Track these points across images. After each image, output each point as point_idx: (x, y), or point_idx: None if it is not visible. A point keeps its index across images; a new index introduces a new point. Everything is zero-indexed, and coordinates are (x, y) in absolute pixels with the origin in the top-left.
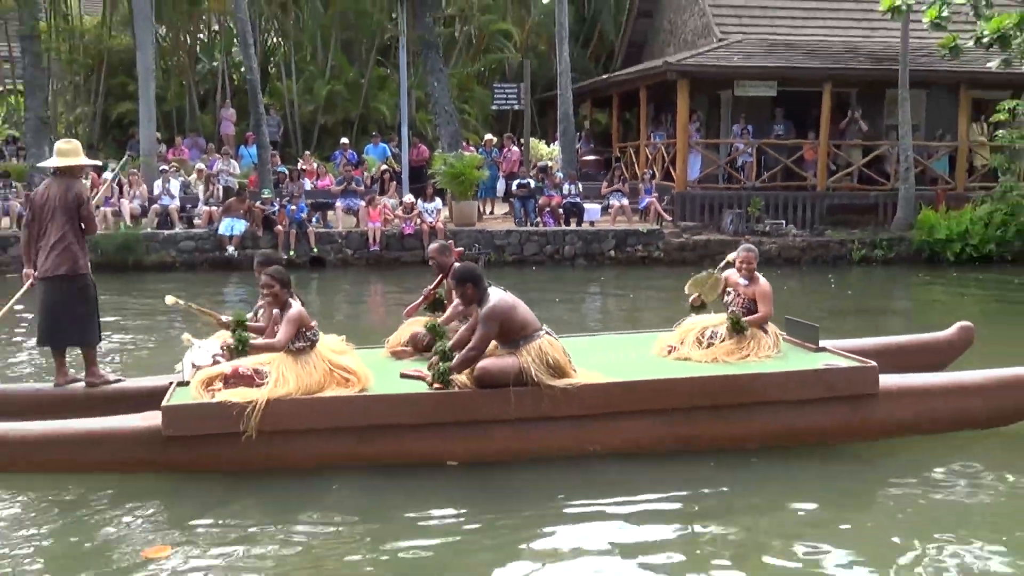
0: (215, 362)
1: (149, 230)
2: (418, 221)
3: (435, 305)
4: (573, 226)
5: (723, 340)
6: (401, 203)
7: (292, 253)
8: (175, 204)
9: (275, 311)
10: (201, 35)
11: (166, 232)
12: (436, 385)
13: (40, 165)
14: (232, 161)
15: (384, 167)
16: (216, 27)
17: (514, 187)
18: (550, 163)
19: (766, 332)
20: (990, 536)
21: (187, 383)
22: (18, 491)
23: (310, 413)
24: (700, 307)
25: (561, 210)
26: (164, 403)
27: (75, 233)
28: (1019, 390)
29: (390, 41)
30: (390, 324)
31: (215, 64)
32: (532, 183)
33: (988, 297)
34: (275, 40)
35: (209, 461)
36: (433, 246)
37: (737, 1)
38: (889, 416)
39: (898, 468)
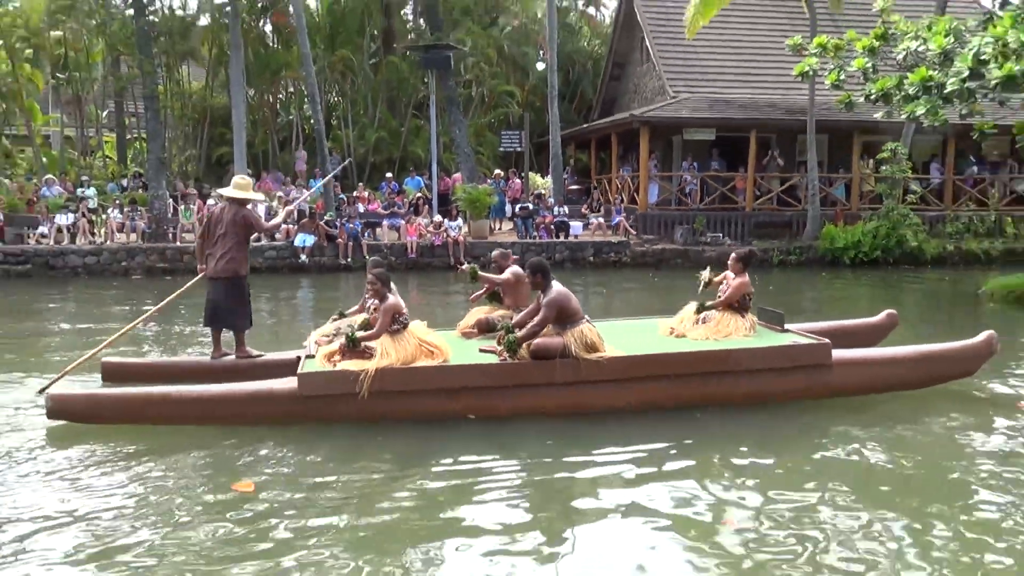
0: (328, 341)
1: None
2: (445, 235)
3: (493, 296)
4: (562, 239)
5: (706, 322)
6: (432, 222)
7: (350, 260)
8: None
9: (376, 302)
10: (280, 95)
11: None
12: (505, 355)
13: (218, 191)
14: (304, 190)
15: (419, 194)
16: (292, 89)
17: (517, 209)
18: (544, 191)
19: (743, 317)
20: (905, 470)
21: (312, 356)
22: (194, 438)
23: (407, 378)
24: (707, 284)
25: (552, 226)
26: (299, 371)
27: (238, 247)
28: (934, 362)
29: (423, 99)
30: (427, 311)
31: (291, 117)
32: (530, 206)
33: (876, 290)
34: (336, 98)
35: (332, 414)
36: (496, 252)
37: (685, 67)
38: (839, 381)
39: (844, 419)
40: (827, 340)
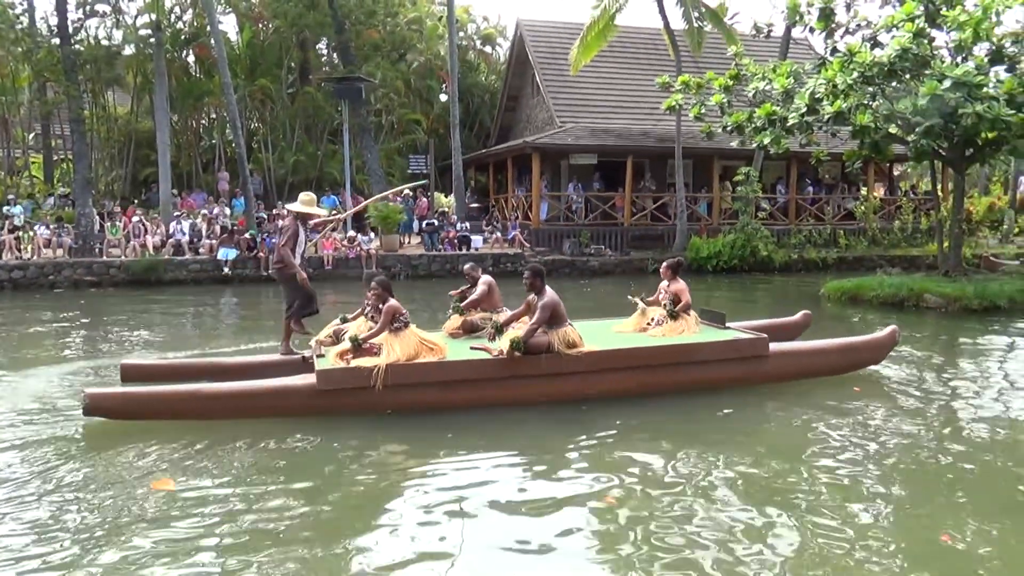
0: (331, 342)
1: (167, 257)
2: (359, 249)
3: (462, 299)
4: (464, 251)
5: (662, 323)
6: (346, 237)
7: (270, 271)
8: (185, 239)
9: (380, 306)
10: (204, 120)
11: (179, 258)
12: (505, 351)
13: (288, 207)
14: (227, 208)
15: (334, 211)
16: (214, 115)
17: (424, 225)
18: (448, 209)
19: (690, 315)
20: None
21: (323, 355)
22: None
23: (415, 372)
24: (645, 303)
25: (456, 240)
26: (317, 368)
27: (285, 249)
28: (851, 352)
29: (338, 126)
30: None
31: (213, 141)
32: (436, 223)
33: (735, 292)
34: (256, 124)
35: (347, 406)
36: (467, 266)
37: (571, 100)
38: (775, 369)
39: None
40: (765, 335)
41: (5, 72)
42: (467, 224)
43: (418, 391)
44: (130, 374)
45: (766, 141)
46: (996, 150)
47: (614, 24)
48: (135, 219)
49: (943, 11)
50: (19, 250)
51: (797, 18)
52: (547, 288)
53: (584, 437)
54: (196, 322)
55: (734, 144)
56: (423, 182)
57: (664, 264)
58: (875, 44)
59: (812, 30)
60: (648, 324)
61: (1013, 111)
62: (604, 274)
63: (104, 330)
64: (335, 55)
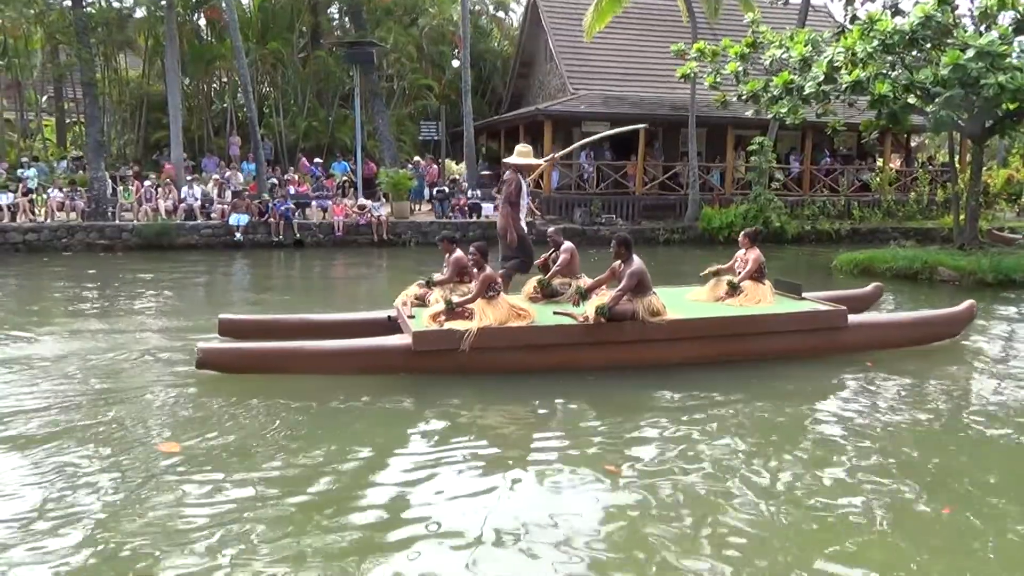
0: (419, 302)
1: (179, 222)
2: (369, 215)
3: (545, 267)
4: (475, 219)
5: (736, 293)
6: (357, 203)
7: (280, 237)
8: (198, 203)
9: (476, 270)
10: (215, 84)
11: (191, 223)
12: (591, 317)
13: (506, 161)
14: (239, 174)
15: (345, 178)
16: (225, 79)
17: (435, 192)
18: (459, 176)
19: (765, 285)
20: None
21: (412, 316)
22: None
23: (504, 336)
24: (716, 273)
25: (467, 208)
26: (413, 329)
27: (509, 208)
28: (929, 325)
29: (349, 91)
30: (352, 285)
31: (225, 105)
32: (447, 190)
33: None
34: (268, 89)
35: (440, 367)
36: (551, 230)
37: (584, 67)
38: (853, 340)
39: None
40: (844, 307)
41: (18, 35)
42: (478, 191)
43: (507, 355)
44: (228, 328)
45: (783, 111)
46: (1018, 122)
47: None
48: (147, 183)
49: None
50: (33, 213)
51: None
52: (634, 256)
53: (665, 402)
54: (208, 285)
55: (749, 113)
56: (640, 126)
57: (743, 233)
58: (896, 12)
59: None
60: (723, 295)
61: None
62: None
63: (127, 291)
64: (347, 19)
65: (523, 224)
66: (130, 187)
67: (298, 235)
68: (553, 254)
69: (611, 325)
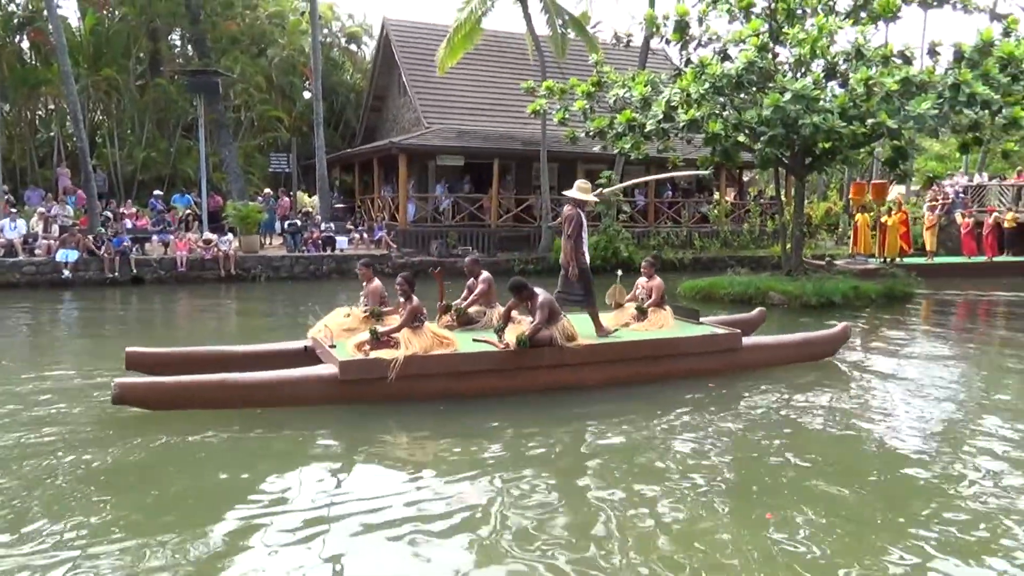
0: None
1: None
2: (216, 250)
3: (448, 307)
4: (329, 252)
5: (641, 318)
6: (203, 237)
7: (116, 274)
8: (19, 238)
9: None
10: (40, 112)
11: (11, 260)
12: (510, 345)
13: (566, 194)
14: (68, 207)
15: (188, 211)
16: (52, 106)
17: (286, 226)
18: (311, 209)
19: (666, 310)
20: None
21: (334, 346)
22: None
23: (429, 364)
24: (618, 306)
25: (320, 241)
26: (340, 359)
27: (572, 241)
28: (811, 346)
29: (193, 121)
30: (199, 323)
31: (51, 134)
32: (299, 223)
33: (599, 292)
34: (101, 117)
35: (366, 395)
36: (468, 260)
37: (438, 101)
38: (749, 359)
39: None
40: (739, 331)
41: None
42: (332, 224)
43: (432, 381)
44: (134, 362)
45: (627, 147)
46: (831, 159)
47: (480, 28)
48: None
49: (785, 29)
50: None
51: (654, 29)
52: (537, 290)
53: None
54: (33, 328)
55: (596, 149)
56: (703, 172)
57: (645, 262)
58: (725, 57)
59: (668, 41)
60: (630, 319)
61: (845, 123)
62: (473, 275)
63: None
64: (189, 47)
65: (587, 258)
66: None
67: (135, 271)
68: (471, 282)
69: (531, 351)
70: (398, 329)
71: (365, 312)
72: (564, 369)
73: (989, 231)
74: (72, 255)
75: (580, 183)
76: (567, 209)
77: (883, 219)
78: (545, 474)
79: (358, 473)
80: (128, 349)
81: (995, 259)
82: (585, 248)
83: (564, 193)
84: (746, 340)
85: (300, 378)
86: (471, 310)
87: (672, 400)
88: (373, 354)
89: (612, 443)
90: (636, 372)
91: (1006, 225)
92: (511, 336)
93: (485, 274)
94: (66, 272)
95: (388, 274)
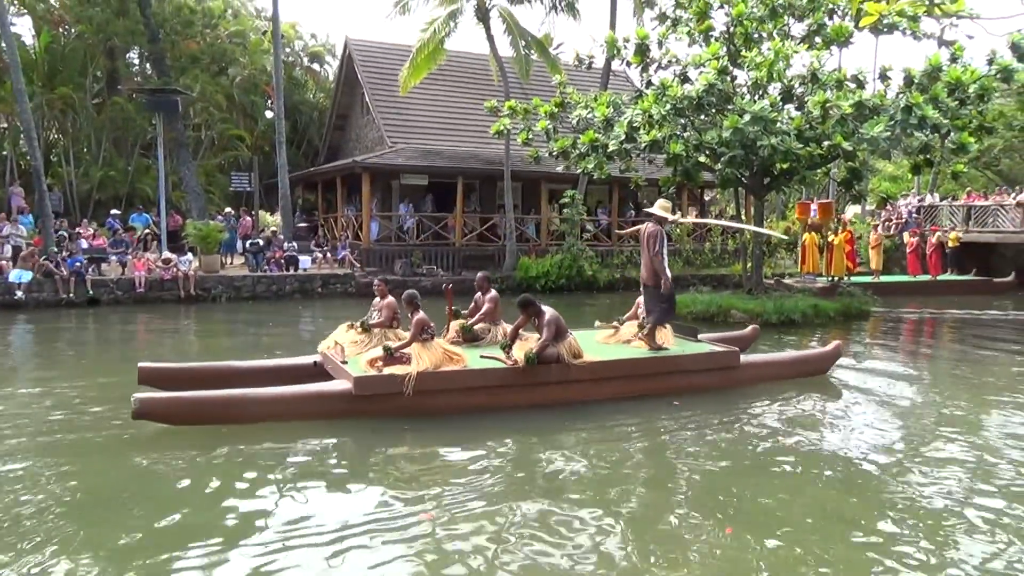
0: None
1: None
2: (175, 270)
3: (457, 314)
4: (291, 272)
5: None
6: (162, 257)
7: (71, 295)
8: None
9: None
10: None
11: None
12: (519, 362)
13: (649, 210)
14: (20, 227)
15: (147, 231)
16: (5, 124)
17: (248, 245)
18: (274, 228)
19: (666, 329)
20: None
21: (345, 362)
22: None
23: (442, 379)
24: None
25: (283, 261)
26: (355, 375)
27: (649, 256)
28: (804, 363)
29: (151, 139)
30: (158, 344)
31: (4, 152)
32: (261, 242)
33: (560, 309)
34: (56, 136)
35: (379, 411)
36: (479, 276)
37: (401, 121)
38: (746, 376)
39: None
40: (736, 348)
41: None
42: (295, 244)
43: (444, 396)
44: (148, 377)
45: (590, 167)
46: (789, 179)
47: (443, 48)
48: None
49: (743, 53)
50: None
51: (615, 52)
52: (544, 307)
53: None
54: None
55: (560, 168)
56: (779, 235)
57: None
58: (685, 79)
59: (629, 64)
60: (632, 336)
61: (802, 145)
62: (437, 294)
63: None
64: (148, 65)
65: (668, 272)
66: None
67: (91, 292)
68: (478, 296)
69: (540, 368)
70: (408, 344)
71: (364, 323)
72: (571, 385)
73: (933, 250)
74: (26, 276)
75: (661, 202)
76: (650, 226)
77: (829, 238)
78: (542, 492)
79: (366, 490)
80: (141, 364)
81: (938, 278)
82: (665, 263)
83: (647, 210)
84: (743, 358)
85: (316, 393)
86: (477, 327)
87: (670, 416)
88: (387, 370)
89: (616, 457)
90: (639, 388)
91: (949, 245)
92: (519, 353)
93: (492, 292)
94: (19, 293)
95: (351, 294)
